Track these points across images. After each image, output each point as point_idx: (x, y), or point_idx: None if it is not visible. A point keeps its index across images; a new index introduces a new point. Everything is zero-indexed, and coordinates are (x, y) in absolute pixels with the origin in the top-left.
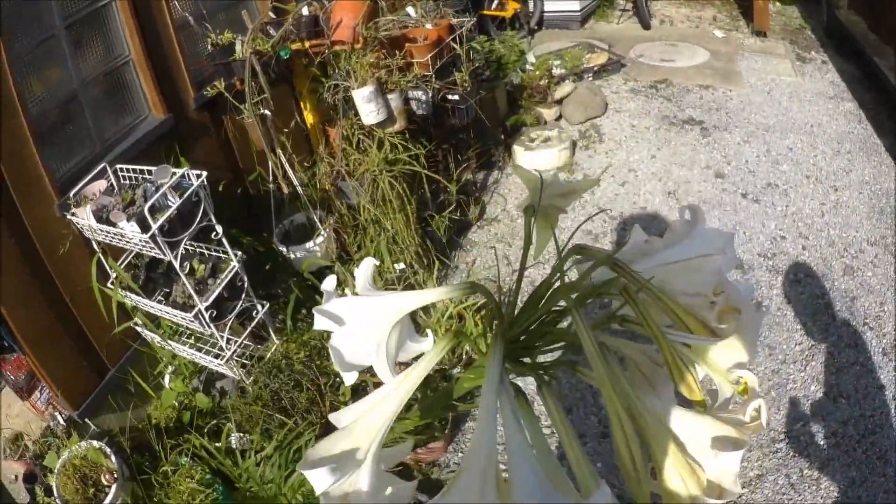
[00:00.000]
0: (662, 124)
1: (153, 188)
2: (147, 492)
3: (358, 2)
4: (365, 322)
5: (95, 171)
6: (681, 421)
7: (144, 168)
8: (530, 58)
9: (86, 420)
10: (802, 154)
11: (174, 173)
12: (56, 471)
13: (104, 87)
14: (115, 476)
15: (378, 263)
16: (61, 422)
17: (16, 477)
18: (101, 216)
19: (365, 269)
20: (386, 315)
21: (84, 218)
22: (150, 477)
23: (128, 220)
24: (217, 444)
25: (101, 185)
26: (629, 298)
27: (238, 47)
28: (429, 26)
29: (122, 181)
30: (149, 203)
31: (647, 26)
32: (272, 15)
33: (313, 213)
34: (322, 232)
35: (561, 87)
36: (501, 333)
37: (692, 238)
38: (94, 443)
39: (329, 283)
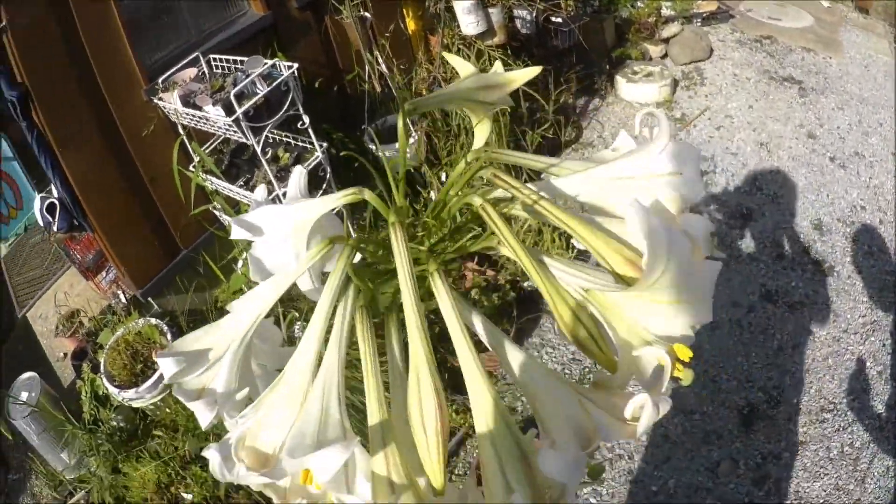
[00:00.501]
0: (763, 77)
1: (243, 76)
2: None
3: None
4: (283, 230)
5: (188, 59)
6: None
7: (238, 58)
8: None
9: (148, 299)
10: (892, 131)
11: (265, 63)
12: (107, 346)
13: None
14: None
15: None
16: (123, 300)
17: (64, 355)
18: (188, 100)
19: (296, 177)
20: (304, 221)
21: (171, 102)
22: None
23: (213, 104)
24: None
25: (192, 72)
26: (484, 212)
27: None
28: None
29: (214, 70)
30: (236, 88)
31: None
32: None
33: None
34: (414, 134)
35: (668, 27)
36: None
37: (644, 152)
38: (152, 320)
39: (259, 192)
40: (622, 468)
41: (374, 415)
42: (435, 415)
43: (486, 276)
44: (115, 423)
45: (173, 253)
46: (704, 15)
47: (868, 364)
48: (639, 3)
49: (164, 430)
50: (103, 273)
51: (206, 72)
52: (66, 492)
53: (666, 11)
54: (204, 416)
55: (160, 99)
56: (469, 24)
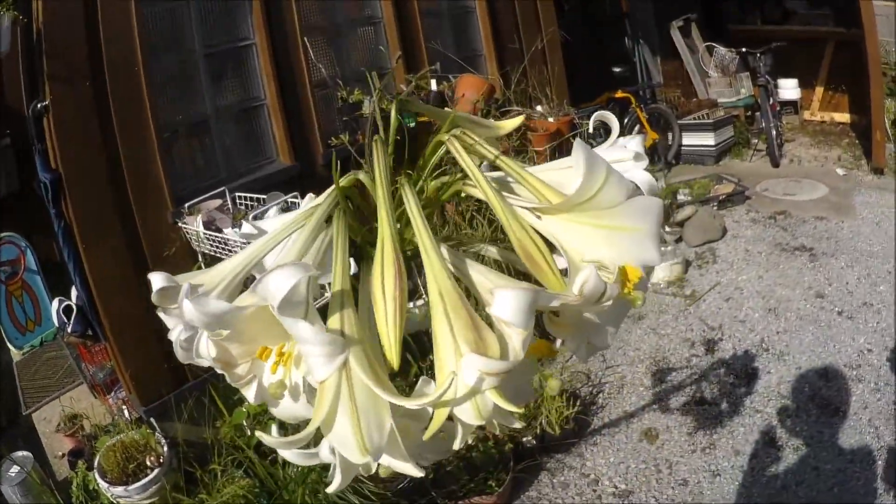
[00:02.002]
0: (775, 250)
1: (264, 210)
2: (189, 487)
3: (480, 79)
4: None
5: (215, 192)
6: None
7: (261, 197)
8: (661, 183)
9: (151, 419)
10: None
11: (286, 199)
12: (105, 448)
13: (237, 121)
14: (161, 461)
15: None
16: (127, 416)
17: (62, 455)
18: (210, 225)
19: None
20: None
21: (194, 225)
22: (195, 473)
23: (233, 227)
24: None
25: (216, 202)
26: (451, 144)
27: (366, 105)
28: (551, 120)
29: (237, 206)
30: (253, 213)
31: (776, 164)
32: (402, 87)
33: (417, 277)
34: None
35: (682, 211)
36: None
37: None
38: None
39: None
40: None
41: (336, 283)
42: (395, 280)
43: (485, 432)
44: None
45: (181, 380)
46: (721, 198)
47: (876, 485)
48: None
49: None
50: (112, 392)
51: (230, 205)
52: None
53: (682, 197)
54: (176, 331)
55: (184, 223)
56: None
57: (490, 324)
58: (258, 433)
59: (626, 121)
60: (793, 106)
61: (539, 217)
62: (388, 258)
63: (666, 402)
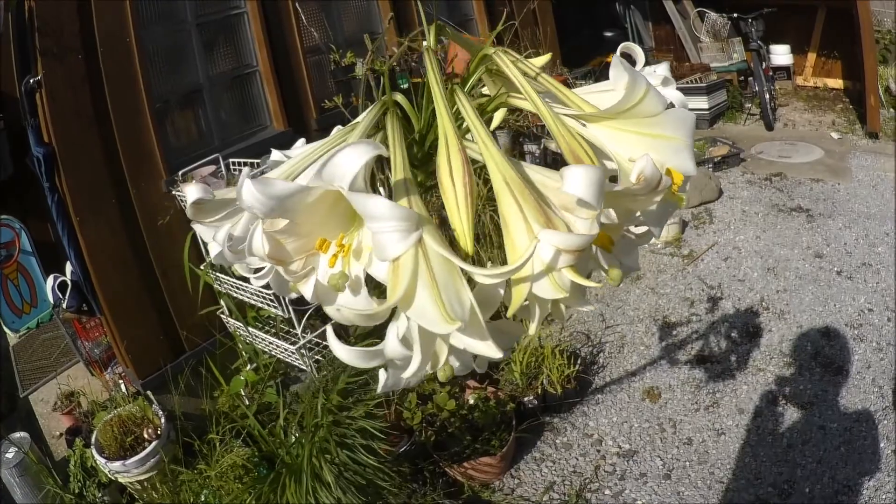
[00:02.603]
0: (771, 211)
1: (258, 172)
2: (188, 458)
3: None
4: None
5: (208, 158)
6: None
7: (255, 161)
8: None
9: (148, 392)
10: None
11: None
12: (102, 423)
13: (229, 89)
14: (159, 433)
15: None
16: (124, 390)
17: (60, 434)
18: None
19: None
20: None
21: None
22: (194, 444)
23: None
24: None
25: (210, 169)
26: (498, 57)
27: (358, 67)
28: None
29: (232, 171)
30: (251, 172)
31: (770, 128)
32: (395, 49)
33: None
34: None
35: None
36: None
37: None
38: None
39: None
40: None
41: (398, 172)
42: (463, 168)
43: (486, 393)
44: (100, 497)
45: (178, 351)
46: (716, 160)
47: (882, 445)
48: None
49: None
50: (109, 368)
51: (224, 172)
52: None
53: None
54: (221, 232)
55: (178, 190)
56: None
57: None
58: (328, 337)
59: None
60: (785, 71)
61: (584, 125)
62: (454, 148)
63: (667, 361)
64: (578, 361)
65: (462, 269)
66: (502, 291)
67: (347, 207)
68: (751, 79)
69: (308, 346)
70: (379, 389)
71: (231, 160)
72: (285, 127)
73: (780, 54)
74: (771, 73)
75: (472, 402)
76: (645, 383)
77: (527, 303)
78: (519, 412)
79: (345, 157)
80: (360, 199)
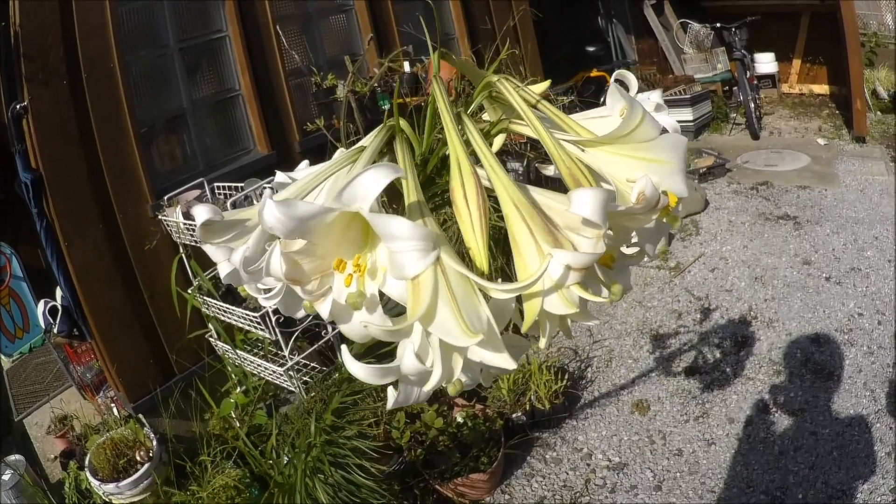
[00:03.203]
0: (758, 220)
1: (242, 197)
2: (180, 480)
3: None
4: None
5: (193, 183)
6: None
7: (239, 185)
8: None
9: (139, 415)
10: (888, 241)
11: (262, 185)
12: (95, 445)
13: (213, 113)
14: (151, 456)
15: None
16: (116, 414)
17: (55, 457)
18: (189, 216)
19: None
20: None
21: (173, 217)
22: (186, 466)
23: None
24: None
25: (195, 193)
26: (501, 84)
27: (340, 89)
28: None
29: (216, 196)
30: (232, 199)
31: (755, 137)
32: (376, 70)
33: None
34: None
35: None
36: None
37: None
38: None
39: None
40: None
41: (411, 195)
42: (476, 191)
43: (474, 410)
44: None
45: (168, 374)
46: (702, 171)
47: (875, 448)
48: None
49: None
50: (101, 392)
51: (209, 196)
52: None
53: None
54: (238, 254)
55: (164, 215)
56: None
57: None
58: (343, 355)
59: (601, 100)
60: (770, 80)
61: (583, 150)
62: (466, 171)
63: (656, 374)
64: (566, 376)
65: (478, 285)
66: (513, 306)
67: (360, 229)
68: (735, 88)
69: (296, 367)
70: (389, 406)
71: (216, 184)
72: (269, 150)
73: (765, 63)
74: (756, 82)
75: (460, 419)
76: (634, 396)
77: (538, 319)
78: (507, 428)
79: (366, 179)
80: (380, 220)
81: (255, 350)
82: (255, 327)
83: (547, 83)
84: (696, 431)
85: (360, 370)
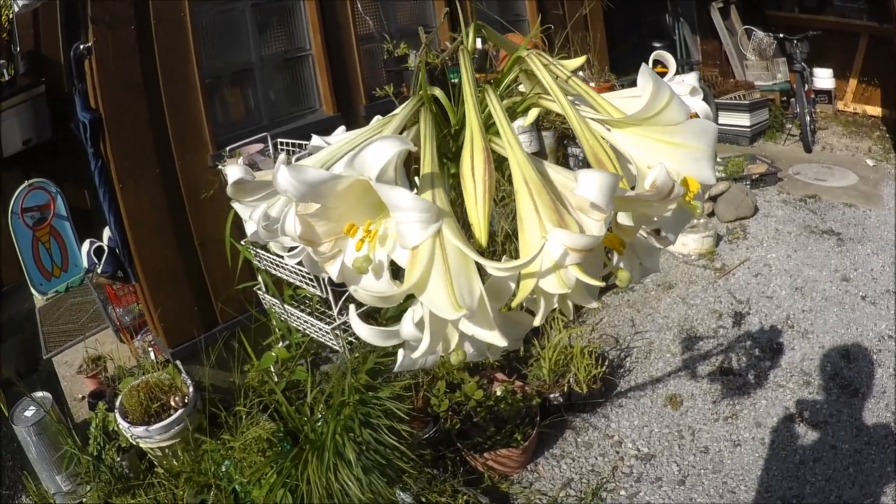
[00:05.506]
0: (804, 231)
1: (306, 154)
2: (212, 429)
3: (523, 38)
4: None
5: (257, 137)
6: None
7: (303, 142)
8: None
9: (177, 361)
10: None
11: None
12: (129, 388)
13: (281, 70)
14: (186, 402)
15: None
16: (153, 358)
17: (82, 397)
18: (251, 168)
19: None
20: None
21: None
22: (220, 416)
23: None
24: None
25: (258, 147)
26: (529, 59)
27: (411, 58)
28: (592, 85)
29: (279, 151)
30: (297, 155)
31: (808, 150)
32: (447, 45)
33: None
34: None
35: (717, 185)
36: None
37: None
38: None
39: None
40: None
41: (426, 166)
42: (484, 164)
43: (513, 386)
44: (118, 461)
45: (210, 324)
46: (754, 177)
47: (889, 469)
48: None
49: (167, 479)
50: (139, 336)
51: (272, 151)
52: None
53: (717, 173)
54: (257, 212)
55: (224, 165)
56: (521, 141)
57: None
58: (350, 316)
59: None
60: (827, 95)
61: (609, 130)
62: (478, 145)
63: (691, 370)
64: (606, 363)
65: (476, 262)
66: (513, 285)
67: (376, 196)
68: (793, 100)
69: (343, 327)
70: (396, 368)
71: (279, 140)
72: (334, 112)
73: (823, 78)
74: (813, 96)
75: (499, 393)
76: (668, 390)
77: (535, 296)
78: (544, 408)
79: (374, 149)
80: (385, 190)
81: (303, 307)
82: (306, 284)
83: (582, 59)
84: (724, 431)
85: (364, 331)
